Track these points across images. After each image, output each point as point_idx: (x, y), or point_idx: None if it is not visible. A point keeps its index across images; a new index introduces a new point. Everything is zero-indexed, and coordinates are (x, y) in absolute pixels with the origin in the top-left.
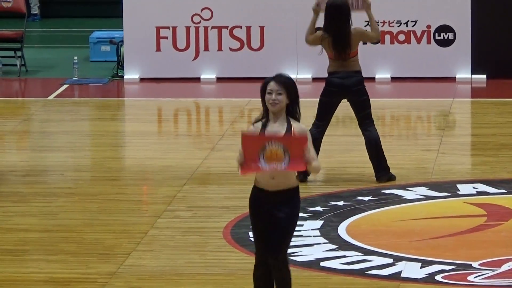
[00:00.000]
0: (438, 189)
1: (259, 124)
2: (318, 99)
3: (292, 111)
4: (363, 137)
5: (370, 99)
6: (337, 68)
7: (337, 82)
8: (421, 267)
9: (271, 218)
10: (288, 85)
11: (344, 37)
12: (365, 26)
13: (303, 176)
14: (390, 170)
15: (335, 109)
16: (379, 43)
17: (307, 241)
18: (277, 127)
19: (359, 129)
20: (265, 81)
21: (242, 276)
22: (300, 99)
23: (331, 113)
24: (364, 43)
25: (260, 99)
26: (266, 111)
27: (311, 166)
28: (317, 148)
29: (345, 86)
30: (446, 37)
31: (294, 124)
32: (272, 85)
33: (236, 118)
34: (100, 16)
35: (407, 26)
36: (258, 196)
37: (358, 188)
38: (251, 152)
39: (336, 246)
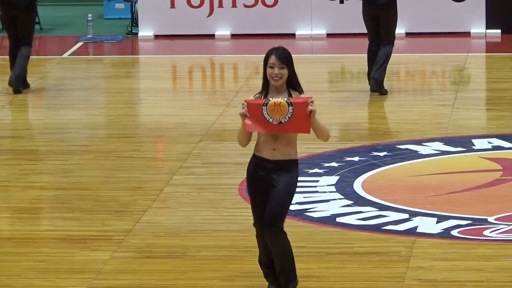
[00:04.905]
0: (453, 144)
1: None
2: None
3: (294, 83)
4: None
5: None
6: None
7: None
8: (437, 222)
9: (268, 188)
10: (289, 59)
11: None
12: None
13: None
14: (405, 125)
15: (377, 23)
16: None
17: (323, 197)
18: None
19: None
20: (266, 54)
21: None
22: (315, 55)
23: (375, 27)
24: None
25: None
26: (266, 83)
27: (320, 125)
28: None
29: (378, 4)
30: None
31: (295, 95)
32: (273, 59)
33: (251, 75)
34: None
35: None
36: (257, 164)
37: (373, 143)
38: (254, 108)
39: (352, 202)
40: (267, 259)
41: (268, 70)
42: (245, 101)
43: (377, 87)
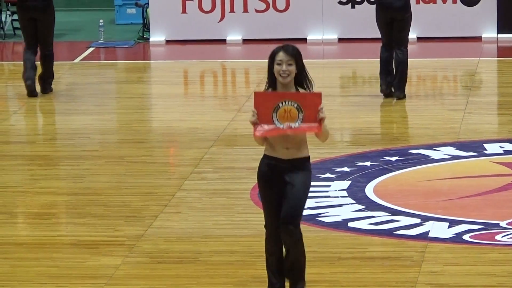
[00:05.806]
0: (465, 148)
1: None
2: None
3: (302, 80)
4: (389, 97)
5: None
6: None
7: (385, 4)
8: (449, 226)
9: (283, 187)
10: (297, 55)
11: None
12: None
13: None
14: (417, 130)
15: (391, 27)
16: None
17: (335, 202)
18: None
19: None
20: (273, 52)
21: None
22: (326, 60)
23: (389, 31)
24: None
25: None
26: (272, 81)
27: (324, 128)
28: (389, 70)
29: (393, 7)
30: None
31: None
32: (281, 56)
33: (262, 80)
34: None
35: None
36: (271, 164)
37: (385, 148)
38: (264, 112)
39: (364, 207)
40: (277, 263)
41: (276, 67)
42: (255, 92)
43: (402, 97)
